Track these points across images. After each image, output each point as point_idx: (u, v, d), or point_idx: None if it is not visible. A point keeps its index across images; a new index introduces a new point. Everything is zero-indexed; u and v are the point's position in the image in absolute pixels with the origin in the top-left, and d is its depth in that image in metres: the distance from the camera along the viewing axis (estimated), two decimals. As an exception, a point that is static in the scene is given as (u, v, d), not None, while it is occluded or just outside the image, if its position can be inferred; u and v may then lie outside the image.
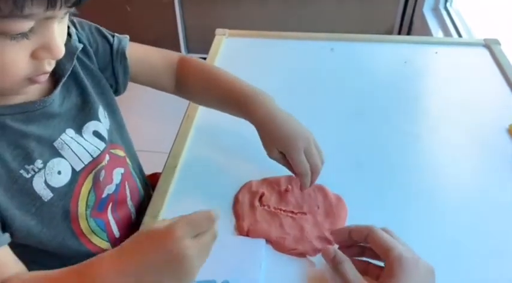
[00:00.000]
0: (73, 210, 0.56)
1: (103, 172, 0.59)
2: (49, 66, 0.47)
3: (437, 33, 1.60)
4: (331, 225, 0.59)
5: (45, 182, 0.52)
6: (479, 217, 0.61)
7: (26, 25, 0.40)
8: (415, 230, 0.59)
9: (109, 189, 0.61)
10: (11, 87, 0.46)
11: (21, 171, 0.50)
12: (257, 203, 0.61)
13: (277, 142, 0.61)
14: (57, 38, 0.44)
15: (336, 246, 0.53)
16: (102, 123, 0.60)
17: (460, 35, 1.49)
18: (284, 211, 0.61)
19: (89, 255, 0.57)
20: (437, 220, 0.60)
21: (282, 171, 0.65)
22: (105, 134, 0.60)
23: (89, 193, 0.58)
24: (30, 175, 0.51)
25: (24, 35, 0.41)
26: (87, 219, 0.58)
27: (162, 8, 1.94)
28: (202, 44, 2.02)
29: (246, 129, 0.75)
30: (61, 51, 0.45)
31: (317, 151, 0.61)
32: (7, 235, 0.49)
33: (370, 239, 0.49)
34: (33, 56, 0.44)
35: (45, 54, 0.44)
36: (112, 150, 0.63)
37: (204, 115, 0.78)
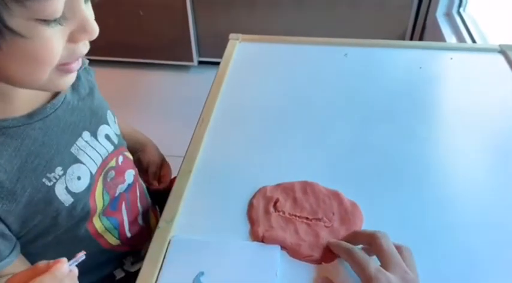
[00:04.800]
0: (90, 211, 0.58)
1: (112, 173, 0.61)
2: (85, 47, 0.47)
3: (451, 38, 1.59)
4: (347, 232, 0.58)
5: (66, 188, 0.53)
6: (496, 224, 0.60)
7: (59, 6, 0.40)
8: (431, 236, 0.58)
9: (121, 188, 0.63)
10: (43, 79, 0.45)
11: (44, 180, 0.51)
12: (272, 209, 0.61)
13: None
14: (89, 16, 0.44)
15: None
16: (111, 128, 0.62)
17: (473, 40, 1.48)
18: (299, 217, 0.60)
19: (98, 247, 0.62)
20: (453, 226, 0.60)
21: (296, 177, 0.65)
22: (114, 138, 0.62)
23: (102, 193, 0.59)
24: (52, 183, 0.52)
25: (58, 21, 0.42)
26: (99, 217, 0.60)
27: (174, 13, 1.95)
28: (214, 48, 2.04)
29: (261, 134, 0.75)
30: (96, 29, 0.45)
31: None
32: (13, 256, 0.51)
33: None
34: (71, 39, 0.44)
35: (81, 35, 0.44)
36: (125, 152, 0.65)
37: (219, 119, 0.78)
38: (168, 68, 2.14)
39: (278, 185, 0.65)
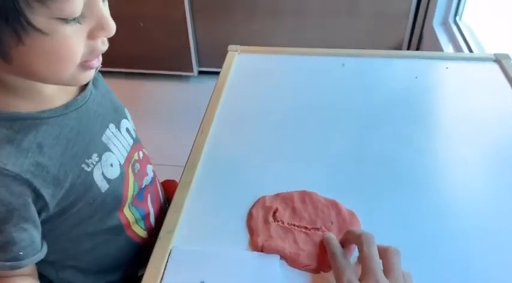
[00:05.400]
0: (122, 200, 0.61)
1: (137, 165, 0.64)
2: (103, 45, 0.50)
3: (447, 47, 1.61)
4: (345, 241, 0.59)
5: (103, 174, 0.57)
6: (494, 230, 0.61)
7: (78, 6, 0.43)
8: (430, 244, 0.59)
9: (146, 180, 0.67)
10: (66, 75, 0.48)
11: (83, 166, 0.55)
12: (271, 219, 0.62)
13: None
14: (107, 14, 0.47)
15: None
16: (130, 123, 0.66)
17: (470, 48, 1.49)
18: (298, 227, 0.61)
19: (128, 240, 0.65)
20: (452, 234, 0.60)
21: (295, 187, 0.66)
22: (133, 133, 0.66)
23: (134, 183, 0.63)
24: (90, 168, 0.55)
25: (77, 20, 0.44)
26: (129, 207, 0.63)
27: (174, 23, 1.97)
28: (214, 58, 2.06)
29: (260, 144, 0.76)
30: (113, 26, 0.48)
31: None
32: (44, 250, 0.54)
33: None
34: (90, 36, 0.47)
35: (100, 32, 0.47)
36: (143, 149, 0.69)
37: (219, 129, 0.79)
38: (168, 78, 2.16)
39: (277, 195, 0.66)
